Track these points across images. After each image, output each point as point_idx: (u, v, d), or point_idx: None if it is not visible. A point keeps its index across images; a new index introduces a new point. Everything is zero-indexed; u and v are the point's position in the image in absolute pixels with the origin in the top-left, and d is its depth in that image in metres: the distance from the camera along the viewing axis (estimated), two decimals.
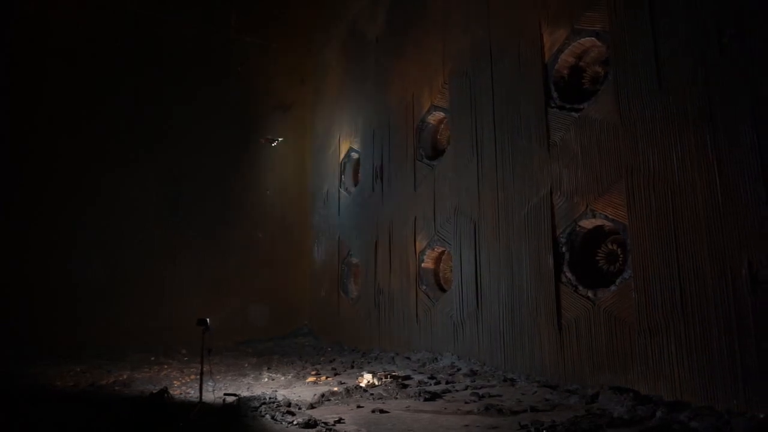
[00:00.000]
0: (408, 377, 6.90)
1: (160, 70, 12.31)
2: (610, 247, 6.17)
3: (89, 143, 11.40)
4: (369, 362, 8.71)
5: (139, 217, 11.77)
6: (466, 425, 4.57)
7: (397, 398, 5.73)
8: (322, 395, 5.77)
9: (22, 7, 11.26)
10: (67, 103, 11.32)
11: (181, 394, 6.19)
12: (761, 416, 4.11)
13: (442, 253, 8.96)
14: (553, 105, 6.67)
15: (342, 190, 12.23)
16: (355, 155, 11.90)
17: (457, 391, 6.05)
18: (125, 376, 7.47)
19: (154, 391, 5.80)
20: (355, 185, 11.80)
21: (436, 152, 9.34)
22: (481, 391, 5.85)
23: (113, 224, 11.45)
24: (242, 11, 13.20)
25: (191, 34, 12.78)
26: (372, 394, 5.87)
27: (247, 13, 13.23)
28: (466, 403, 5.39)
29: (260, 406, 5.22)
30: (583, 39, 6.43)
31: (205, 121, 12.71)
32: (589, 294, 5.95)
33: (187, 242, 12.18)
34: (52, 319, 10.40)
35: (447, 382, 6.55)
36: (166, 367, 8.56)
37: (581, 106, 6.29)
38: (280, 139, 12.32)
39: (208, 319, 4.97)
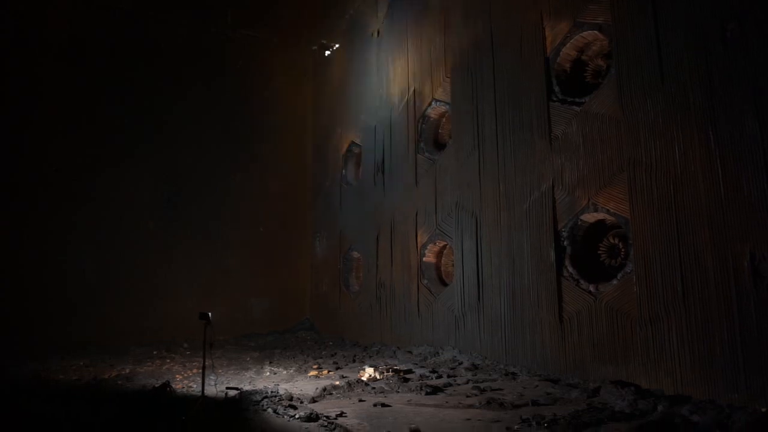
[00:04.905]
0: (409, 371, 6.90)
1: (158, 65, 12.26)
2: (612, 241, 6.16)
3: (86, 142, 11.34)
4: (370, 356, 8.73)
5: (141, 214, 11.76)
6: (468, 419, 4.58)
7: (398, 392, 5.73)
8: (324, 389, 5.78)
9: (17, 6, 11.20)
10: (62, 102, 11.25)
11: (183, 388, 6.21)
12: (763, 410, 4.11)
13: (444, 247, 8.96)
14: (555, 98, 6.65)
15: (343, 185, 12.22)
16: (356, 149, 11.88)
17: (458, 384, 6.06)
18: (128, 371, 7.50)
19: (157, 385, 5.83)
20: (357, 179, 11.79)
21: (438, 146, 9.32)
22: (482, 385, 5.85)
23: (114, 222, 11.44)
24: (241, 5, 13.14)
25: (190, 29, 12.72)
26: (374, 388, 5.88)
27: (246, 7, 13.17)
28: (467, 396, 5.40)
29: (262, 399, 5.23)
30: (585, 32, 6.40)
31: (205, 117, 12.68)
32: (591, 288, 5.94)
33: (188, 238, 12.19)
34: (56, 315, 10.43)
35: (448, 376, 6.56)
36: (168, 361, 8.59)
37: (583, 100, 6.27)
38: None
39: (210, 314, 4.97)
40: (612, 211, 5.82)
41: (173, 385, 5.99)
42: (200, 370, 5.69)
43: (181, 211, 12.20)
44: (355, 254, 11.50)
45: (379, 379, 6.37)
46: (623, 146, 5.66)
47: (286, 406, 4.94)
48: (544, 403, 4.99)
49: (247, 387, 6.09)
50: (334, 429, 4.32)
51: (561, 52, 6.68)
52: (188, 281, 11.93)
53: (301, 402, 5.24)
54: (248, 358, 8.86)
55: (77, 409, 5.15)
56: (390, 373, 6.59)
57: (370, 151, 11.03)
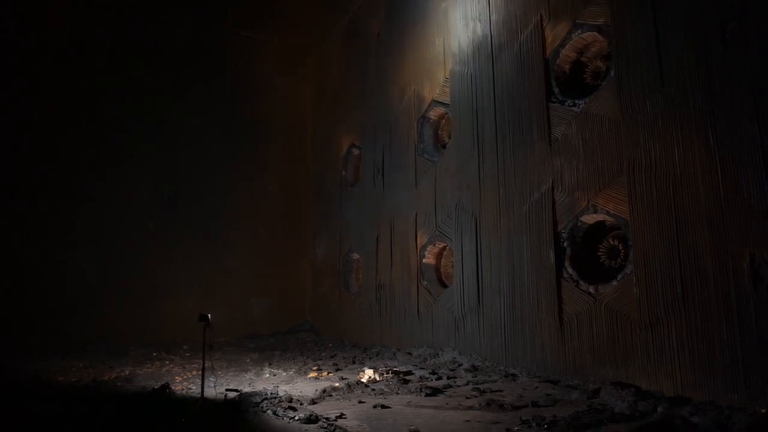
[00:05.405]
0: (409, 372, 6.90)
1: (158, 65, 12.27)
2: (611, 242, 6.16)
3: (86, 142, 11.33)
4: (370, 358, 8.73)
5: (141, 214, 11.76)
6: (468, 420, 4.57)
7: (398, 393, 5.73)
8: (324, 391, 5.78)
9: (17, 6, 11.20)
10: (62, 102, 11.25)
11: (182, 389, 6.21)
12: (762, 411, 4.11)
13: (444, 248, 8.96)
14: (554, 100, 6.65)
15: (343, 186, 12.22)
16: (356, 151, 11.88)
17: (458, 386, 6.06)
18: (127, 372, 7.50)
19: (156, 387, 5.82)
20: (357, 181, 11.79)
21: (437, 147, 9.32)
22: (482, 387, 5.85)
23: (114, 222, 11.44)
24: (241, 5, 13.14)
25: (190, 29, 12.73)
26: (373, 390, 5.88)
27: (246, 7, 13.17)
28: (467, 398, 5.40)
29: (262, 401, 5.23)
30: (584, 33, 6.40)
31: (205, 117, 12.69)
32: (591, 289, 5.94)
33: (187, 239, 12.19)
34: (57, 315, 10.44)
35: (448, 378, 6.56)
36: (167, 362, 8.59)
37: (583, 101, 6.27)
38: None
39: (209, 315, 4.97)
40: (612, 212, 5.82)
41: (173, 387, 5.99)
42: (200, 372, 5.70)
43: (181, 211, 12.21)
44: (355, 255, 11.49)
45: (378, 381, 6.37)
46: (623, 147, 5.66)
47: (285, 408, 4.95)
48: (544, 405, 4.98)
49: (246, 388, 6.09)
50: (334, 430, 4.32)
51: (560, 53, 6.68)
52: (188, 281, 11.94)
53: (301, 403, 5.24)
54: (248, 360, 8.86)
55: (76, 409, 5.15)
56: (390, 375, 6.58)
57: (370, 152, 11.03)
